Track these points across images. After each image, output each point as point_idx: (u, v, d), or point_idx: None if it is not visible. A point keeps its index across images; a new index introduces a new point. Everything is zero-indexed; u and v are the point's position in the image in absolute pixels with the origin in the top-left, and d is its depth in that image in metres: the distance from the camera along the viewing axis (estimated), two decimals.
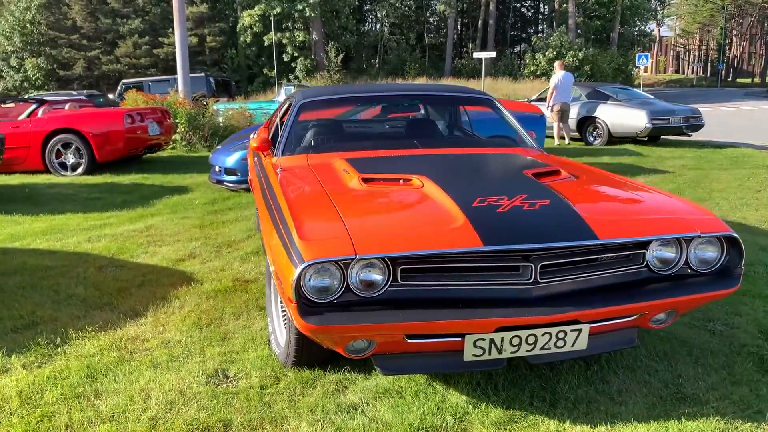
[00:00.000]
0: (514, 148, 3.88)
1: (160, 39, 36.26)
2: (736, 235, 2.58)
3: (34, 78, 36.45)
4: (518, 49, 45.62)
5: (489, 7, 39.49)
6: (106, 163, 9.31)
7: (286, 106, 4.51)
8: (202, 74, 20.18)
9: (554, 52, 33.93)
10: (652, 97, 14.36)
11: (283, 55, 36.07)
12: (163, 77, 21.14)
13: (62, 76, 36.88)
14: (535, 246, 2.34)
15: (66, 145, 9.08)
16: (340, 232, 2.35)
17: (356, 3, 38.79)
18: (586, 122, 13.23)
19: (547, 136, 13.43)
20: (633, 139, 12.96)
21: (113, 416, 2.55)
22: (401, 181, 2.94)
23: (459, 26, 49.20)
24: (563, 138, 13.08)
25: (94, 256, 4.83)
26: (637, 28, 44.12)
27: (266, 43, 35.26)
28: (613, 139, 12.91)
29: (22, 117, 9.42)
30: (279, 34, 35.09)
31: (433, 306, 2.34)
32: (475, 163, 3.37)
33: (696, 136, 13.42)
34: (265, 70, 36.60)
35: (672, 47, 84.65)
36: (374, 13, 42.44)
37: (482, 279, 2.39)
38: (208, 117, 12.29)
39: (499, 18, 45.05)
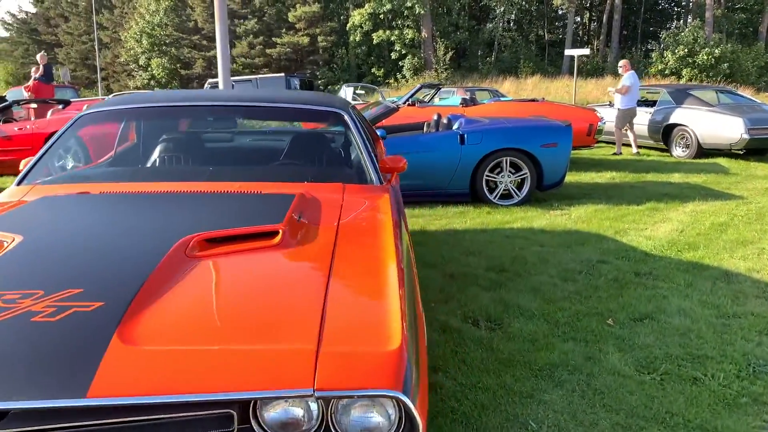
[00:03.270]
0: (309, 184, 2.72)
1: (273, 39, 36.91)
2: (403, 397, 1.35)
3: (159, 77, 38.44)
4: (651, 46, 41.88)
5: (615, 0, 36.48)
6: None
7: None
8: (282, 75, 19.92)
9: (685, 50, 30.59)
10: (761, 102, 12.06)
11: (392, 54, 35.47)
12: (246, 78, 21.12)
13: (184, 75, 38.62)
14: None
15: (66, 148, 8.78)
16: None
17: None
18: (672, 130, 11.28)
19: (608, 142, 11.82)
20: (728, 153, 10.88)
21: None
22: (5, 243, 1.95)
23: (587, 21, 46.15)
24: (629, 146, 11.47)
25: None
26: None
27: (375, 42, 34.83)
28: (705, 151, 10.90)
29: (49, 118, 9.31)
30: (388, 32, 34.54)
31: None
32: (162, 214, 2.29)
33: None
34: (373, 69, 36.21)
35: None
36: (493, 10, 40.61)
37: None
38: None
39: (630, 12, 41.67)
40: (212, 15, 38.83)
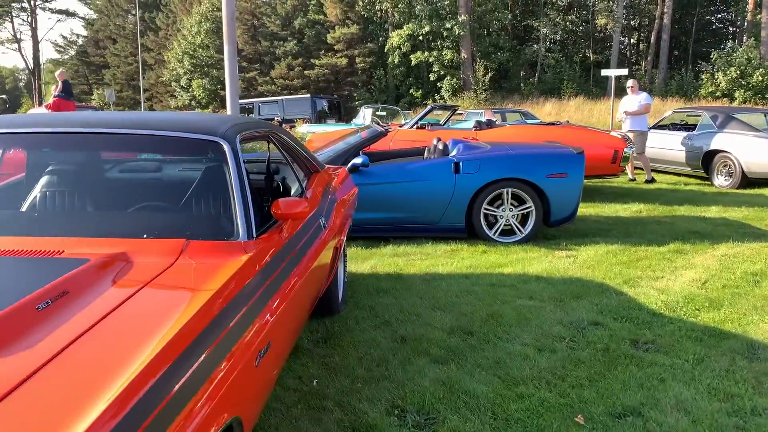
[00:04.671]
0: (145, 240, 2.01)
1: (312, 60, 36.76)
2: None
3: (199, 97, 38.73)
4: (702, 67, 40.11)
5: (663, 19, 35.10)
6: None
7: None
8: (308, 96, 19.39)
9: (737, 71, 29.04)
10: None
11: (430, 75, 34.86)
12: (273, 99, 20.73)
13: (224, 96, 38.73)
14: None
15: None
16: None
17: (509, 19, 36.50)
18: (714, 158, 10.23)
19: (636, 168, 10.95)
20: None
21: None
22: None
23: (635, 41, 44.69)
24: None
25: None
26: None
27: (413, 63, 34.29)
28: (751, 180, 9.83)
29: None
30: (426, 53, 33.97)
31: None
32: None
33: None
34: (411, 90, 35.65)
35: None
36: (537, 30, 39.61)
37: None
38: None
39: (681, 32, 40.13)
40: (252, 37, 39.05)
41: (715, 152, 10.18)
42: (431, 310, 4.05)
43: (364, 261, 5.35)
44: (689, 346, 3.42)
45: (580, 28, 40.66)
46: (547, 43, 38.37)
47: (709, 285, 4.58)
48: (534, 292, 4.44)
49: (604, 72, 16.45)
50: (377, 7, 36.90)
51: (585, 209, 7.83)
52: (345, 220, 3.87)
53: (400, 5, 34.60)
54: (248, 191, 2.31)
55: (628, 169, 10.57)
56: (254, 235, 2.19)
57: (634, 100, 10.23)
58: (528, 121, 14.23)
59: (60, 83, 12.94)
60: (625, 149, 8.40)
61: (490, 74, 32.99)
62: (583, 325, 3.73)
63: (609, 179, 9.49)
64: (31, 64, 55.67)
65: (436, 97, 34.20)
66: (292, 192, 3.52)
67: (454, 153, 6.39)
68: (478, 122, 9.64)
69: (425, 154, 7.31)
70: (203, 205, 2.38)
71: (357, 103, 34.49)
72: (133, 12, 45.64)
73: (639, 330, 3.67)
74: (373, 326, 3.74)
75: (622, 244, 5.89)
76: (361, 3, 36.35)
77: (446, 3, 33.05)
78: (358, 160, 6.00)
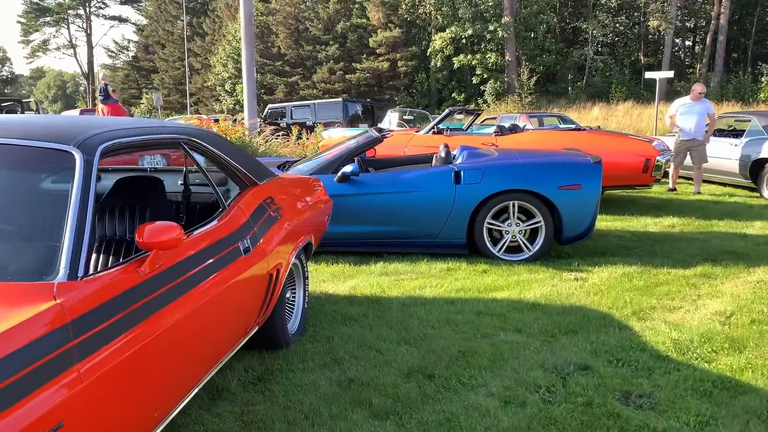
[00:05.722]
0: None
1: (353, 65, 36.47)
2: None
3: (243, 102, 38.88)
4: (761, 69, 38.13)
5: (720, 20, 33.46)
6: None
7: None
8: (340, 100, 19.04)
9: None
10: None
11: (473, 78, 34.11)
12: (305, 102, 20.43)
13: (266, 100, 38.81)
14: None
15: None
16: None
17: (555, 22, 35.43)
18: (764, 166, 9.36)
19: (686, 178, 10.24)
20: None
21: None
22: None
23: (689, 43, 42.88)
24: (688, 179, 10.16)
25: None
26: None
27: (456, 66, 33.61)
28: None
29: None
30: (470, 56, 33.26)
31: None
32: None
33: None
34: (453, 94, 34.98)
35: None
36: (585, 32, 38.33)
37: None
38: (255, 146, 10.93)
39: (739, 34, 38.27)
40: (295, 41, 39.00)
41: (765, 161, 9.31)
42: (397, 344, 3.51)
43: (346, 280, 4.84)
44: (693, 403, 2.79)
45: (632, 30, 39.25)
46: (596, 46, 37.15)
47: (734, 320, 3.90)
48: (524, 324, 3.84)
49: (648, 74, 15.52)
50: (420, 11, 36.39)
51: (611, 222, 7.15)
52: (292, 240, 3.35)
53: (443, 8, 34.00)
54: (88, 217, 1.83)
55: (670, 178, 9.78)
56: (79, 275, 1.71)
57: (696, 107, 9.34)
58: (561, 126, 13.46)
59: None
60: (657, 157, 7.64)
61: (535, 77, 32.03)
62: (568, 370, 3.13)
63: (642, 189, 8.74)
64: (85, 69, 57.22)
65: (479, 101, 33.45)
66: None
67: (460, 161, 5.83)
68: (500, 127, 9.01)
69: (433, 161, 6.76)
70: (26, 234, 1.90)
71: (398, 107, 34.05)
72: (182, 18, 46.29)
73: (635, 378, 3.05)
74: (320, 365, 3.22)
75: (642, 266, 5.20)
76: (404, 6, 35.91)
77: (490, 5, 32.30)
78: (348, 169, 5.51)
